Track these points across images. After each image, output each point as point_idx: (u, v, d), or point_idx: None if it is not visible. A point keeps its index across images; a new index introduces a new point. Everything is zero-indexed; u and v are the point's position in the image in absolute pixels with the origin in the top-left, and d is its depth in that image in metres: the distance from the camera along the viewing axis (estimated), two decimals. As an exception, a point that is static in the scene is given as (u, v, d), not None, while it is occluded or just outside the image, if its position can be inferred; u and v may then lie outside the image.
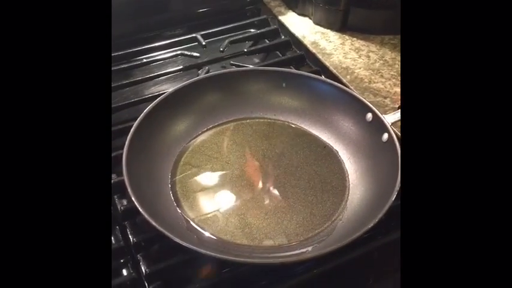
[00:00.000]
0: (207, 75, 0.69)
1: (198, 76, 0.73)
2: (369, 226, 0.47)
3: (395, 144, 0.54)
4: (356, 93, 0.62)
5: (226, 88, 0.66)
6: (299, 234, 0.53)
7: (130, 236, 0.52)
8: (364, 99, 0.61)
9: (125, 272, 0.51)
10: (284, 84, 0.66)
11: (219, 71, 0.68)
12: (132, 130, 0.55)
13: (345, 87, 0.64)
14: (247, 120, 0.66)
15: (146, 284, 0.49)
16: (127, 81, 0.72)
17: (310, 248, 0.51)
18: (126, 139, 0.55)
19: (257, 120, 0.66)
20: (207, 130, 0.65)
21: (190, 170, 0.59)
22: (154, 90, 0.74)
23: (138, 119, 0.57)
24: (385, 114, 0.59)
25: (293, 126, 0.66)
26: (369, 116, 0.60)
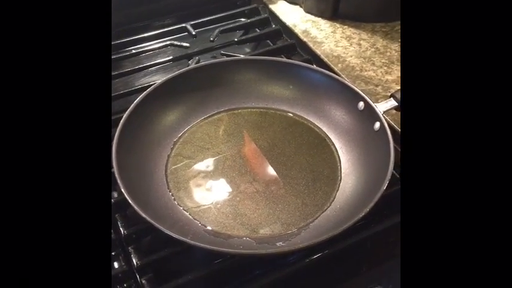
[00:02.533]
0: (196, 65, 0.68)
1: (188, 66, 0.72)
2: (360, 216, 0.47)
3: (387, 133, 0.54)
4: (347, 82, 0.62)
5: (217, 78, 0.66)
6: (290, 224, 0.53)
7: (121, 229, 0.51)
8: (355, 88, 0.60)
9: (116, 264, 0.50)
10: (291, 86, 0.66)
11: (209, 61, 0.67)
12: (121, 122, 0.55)
13: (336, 76, 0.63)
14: (239, 110, 0.66)
15: (138, 276, 0.48)
16: (116, 73, 0.71)
17: (301, 238, 0.51)
18: (115, 131, 0.54)
19: (249, 110, 0.66)
20: (199, 121, 0.64)
21: (182, 161, 0.59)
22: (144, 81, 0.73)
23: (128, 110, 0.57)
24: (377, 102, 0.59)
25: (285, 115, 0.65)
26: (361, 104, 0.59)
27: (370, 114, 0.58)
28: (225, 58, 0.73)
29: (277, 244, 0.51)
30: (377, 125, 0.56)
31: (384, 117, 0.57)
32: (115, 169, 0.50)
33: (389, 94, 0.68)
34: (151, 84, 0.61)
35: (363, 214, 0.47)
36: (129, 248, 0.50)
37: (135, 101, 0.58)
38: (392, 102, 0.59)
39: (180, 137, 0.62)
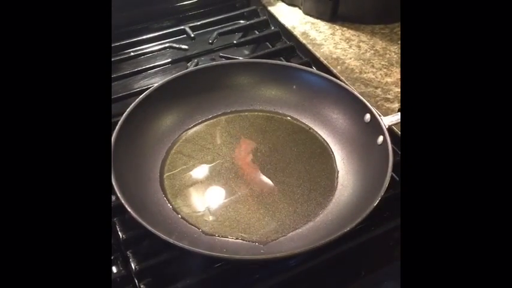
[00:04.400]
0: (195, 68, 0.67)
1: (187, 68, 0.72)
2: (339, 234, 0.46)
3: (388, 149, 0.53)
4: (357, 93, 0.61)
5: (217, 81, 0.65)
6: (278, 232, 0.52)
7: (120, 233, 0.51)
8: (364, 100, 0.59)
9: (114, 269, 0.50)
10: (294, 86, 0.65)
11: (208, 64, 0.67)
12: (118, 125, 0.54)
13: (347, 86, 0.62)
14: (246, 113, 0.65)
15: (136, 281, 0.48)
16: (115, 75, 0.71)
17: (279, 247, 0.51)
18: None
19: (256, 113, 0.65)
20: (201, 122, 0.64)
21: (181, 160, 0.59)
22: (143, 83, 0.73)
23: (125, 113, 0.56)
24: (378, 107, 0.58)
25: (291, 121, 0.65)
26: (368, 117, 0.58)
27: (375, 127, 0.56)
28: (224, 61, 0.73)
29: (261, 251, 0.50)
30: (380, 138, 0.55)
31: (393, 129, 0.55)
32: (112, 173, 0.49)
33: (388, 96, 0.68)
34: (150, 87, 0.61)
35: (349, 229, 0.46)
36: (128, 252, 0.50)
37: (132, 104, 0.58)
38: (398, 117, 0.57)
39: (180, 137, 0.62)
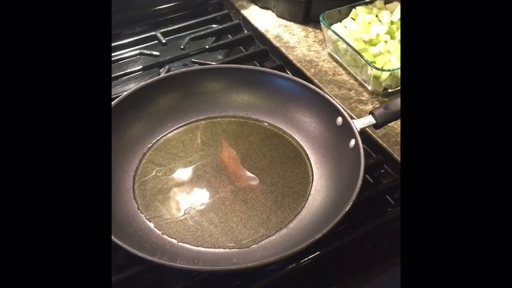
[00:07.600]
0: (165, 75, 0.66)
1: (159, 75, 0.71)
2: (316, 237, 0.46)
3: (359, 152, 0.53)
4: (328, 96, 0.60)
5: (189, 87, 0.64)
6: (252, 240, 0.52)
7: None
8: (336, 103, 0.59)
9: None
10: (267, 96, 0.64)
11: (179, 70, 0.66)
12: None
13: (318, 89, 0.62)
14: (218, 119, 0.65)
15: (108, 296, 0.47)
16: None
17: (253, 255, 0.50)
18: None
19: (228, 119, 0.65)
20: (173, 129, 0.63)
21: (152, 169, 0.58)
22: (115, 91, 0.72)
23: None
24: (352, 109, 0.57)
25: (264, 126, 0.64)
26: (340, 120, 0.58)
27: (347, 130, 0.56)
28: (196, 66, 0.72)
29: (234, 260, 0.50)
30: (352, 142, 0.55)
31: (366, 131, 0.55)
32: None
33: (362, 98, 0.68)
34: (121, 95, 0.60)
35: (311, 242, 0.45)
36: (99, 266, 0.49)
37: None
38: (370, 120, 0.57)
39: (151, 146, 0.61)
